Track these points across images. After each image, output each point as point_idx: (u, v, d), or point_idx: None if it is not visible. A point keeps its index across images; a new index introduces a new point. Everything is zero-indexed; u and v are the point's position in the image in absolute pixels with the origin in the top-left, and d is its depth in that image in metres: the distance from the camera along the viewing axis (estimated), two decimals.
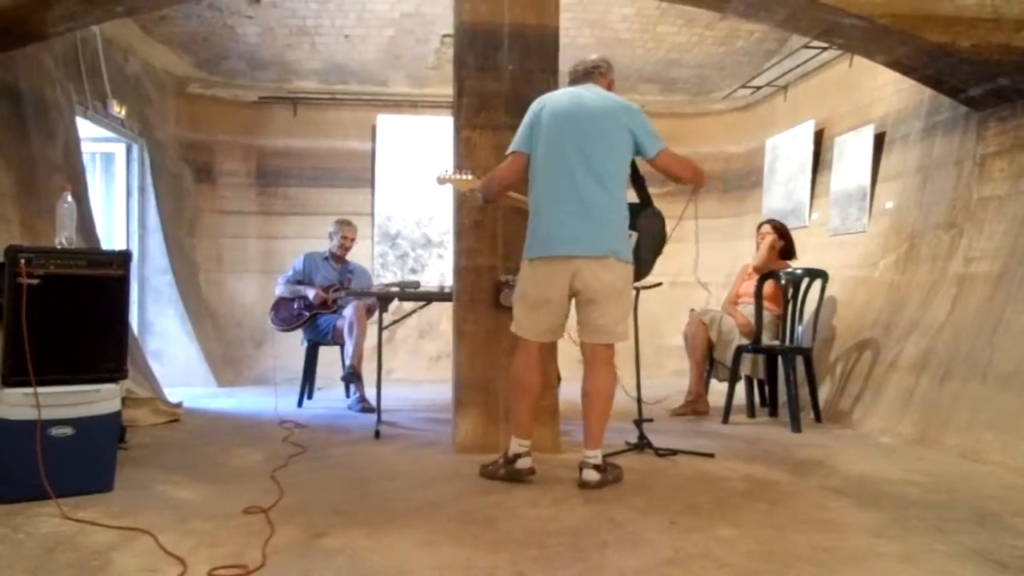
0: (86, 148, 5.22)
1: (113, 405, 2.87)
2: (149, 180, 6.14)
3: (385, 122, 7.21)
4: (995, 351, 3.74)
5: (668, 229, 3.36)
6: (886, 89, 5.30)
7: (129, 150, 6.07)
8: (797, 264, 5.06)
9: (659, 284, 3.90)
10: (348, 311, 5.10)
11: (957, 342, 4.02)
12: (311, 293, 5.25)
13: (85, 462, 2.75)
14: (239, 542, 2.24)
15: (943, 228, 4.51)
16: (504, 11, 3.63)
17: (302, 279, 5.41)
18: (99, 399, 2.81)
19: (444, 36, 6.43)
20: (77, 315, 2.82)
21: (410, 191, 7.14)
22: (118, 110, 5.53)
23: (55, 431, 2.69)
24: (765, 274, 4.79)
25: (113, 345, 2.92)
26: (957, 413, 3.80)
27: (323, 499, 2.78)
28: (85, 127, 5.18)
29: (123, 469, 2.99)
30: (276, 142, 7.20)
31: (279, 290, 5.41)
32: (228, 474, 3.18)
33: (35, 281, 2.71)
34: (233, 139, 7.12)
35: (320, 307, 5.27)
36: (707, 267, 7.32)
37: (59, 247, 2.94)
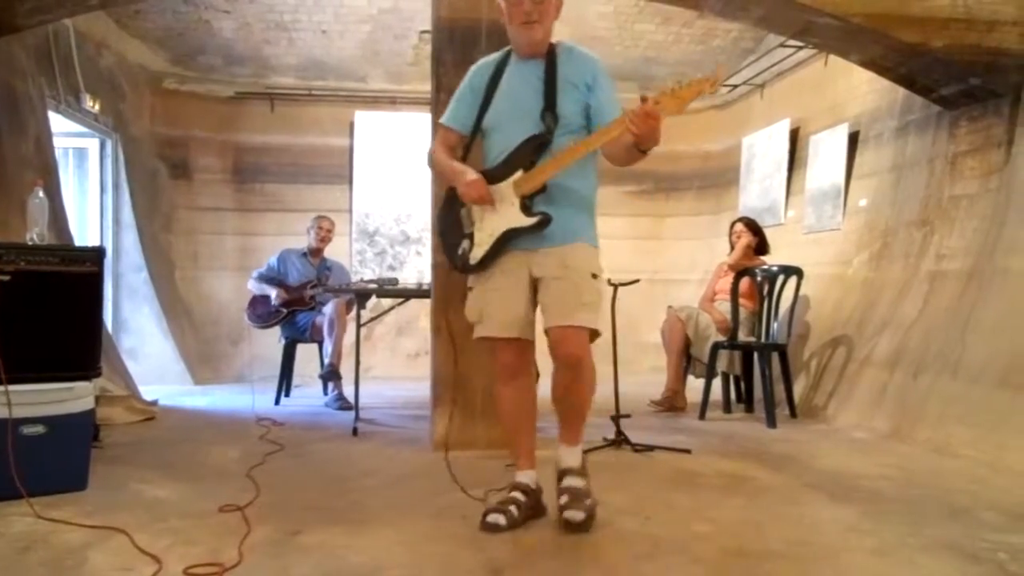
0: (59, 143, 5.15)
1: (87, 403, 2.84)
2: (123, 176, 6.07)
3: (363, 118, 7.18)
4: (965, 347, 3.80)
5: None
6: (860, 88, 5.36)
7: (103, 145, 6.00)
8: (772, 261, 5.10)
9: (636, 281, 3.92)
10: (328, 308, 5.08)
11: (929, 338, 4.08)
12: (273, 294, 5.22)
13: (58, 461, 2.71)
14: (215, 540, 2.23)
15: (916, 226, 4.57)
16: (482, 7, 3.62)
17: (275, 276, 5.38)
18: (72, 397, 2.77)
19: (422, 32, 6.41)
20: (49, 312, 2.78)
21: (388, 188, 7.12)
22: (91, 104, 5.45)
23: (27, 430, 2.65)
24: (741, 271, 4.83)
25: (86, 342, 2.88)
26: (929, 408, 3.85)
27: (300, 497, 2.77)
28: (58, 121, 5.11)
29: (97, 468, 2.95)
30: (253, 138, 7.15)
31: (250, 285, 5.39)
32: (204, 472, 3.16)
33: (5, 278, 2.68)
34: (209, 135, 7.05)
35: (297, 304, 5.24)
36: (685, 264, 7.46)
37: (30, 243, 2.90)
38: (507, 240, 2.44)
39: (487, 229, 2.47)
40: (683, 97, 2.19)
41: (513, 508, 2.41)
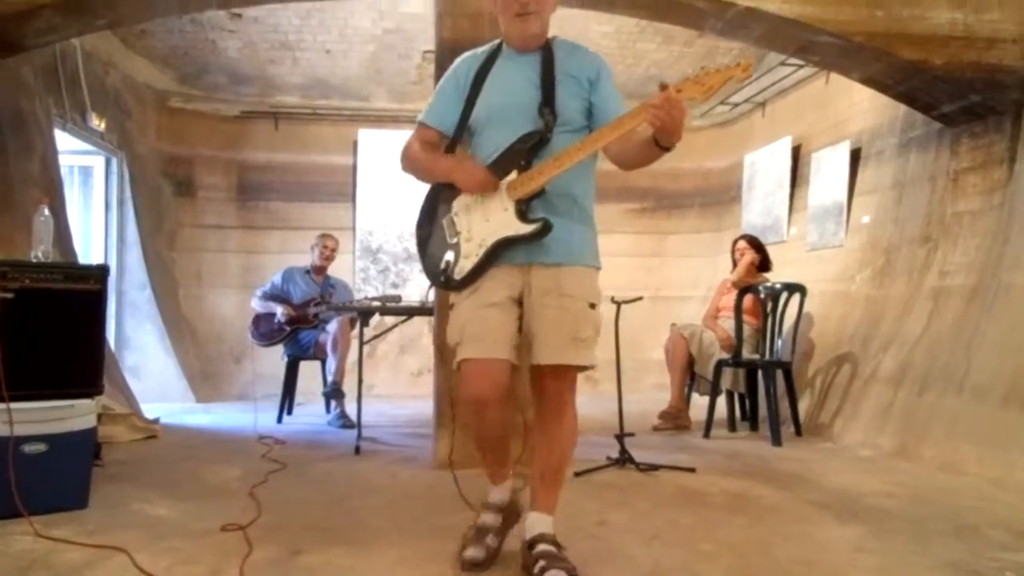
0: (64, 161, 5.18)
1: (88, 421, 2.83)
2: (128, 193, 6.10)
3: (367, 137, 7.22)
4: (971, 364, 3.79)
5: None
6: (862, 106, 5.38)
7: (108, 163, 6.03)
8: (775, 278, 5.10)
9: (640, 298, 3.92)
10: (332, 326, 5.07)
11: (934, 355, 4.07)
12: (279, 310, 5.23)
13: (59, 479, 2.71)
14: (216, 560, 2.21)
15: (918, 243, 4.57)
16: (485, 28, 3.64)
17: (278, 294, 5.39)
18: (74, 415, 2.77)
19: (425, 52, 6.45)
20: (52, 330, 2.79)
21: (392, 205, 7.14)
22: (97, 123, 5.49)
23: (28, 448, 2.64)
24: (745, 288, 4.83)
25: (89, 360, 2.88)
26: (935, 425, 3.83)
27: (302, 516, 2.76)
28: (64, 140, 5.14)
29: (98, 486, 2.95)
30: (257, 156, 7.19)
31: (253, 303, 5.40)
32: (206, 491, 3.14)
33: (9, 295, 2.68)
34: (214, 153, 7.09)
35: (300, 322, 5.24)
36: (688, 281, 7.45)
37: (35, 261, 2.91)
38: (500, 250, 2.13)
39: (476, 238, 2.16)
40: (708, 84, 1.94)
41: (490, 538, 2.23)
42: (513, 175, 2.14)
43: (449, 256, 2.21)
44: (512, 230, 2.11)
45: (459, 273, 2.18)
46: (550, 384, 2.16)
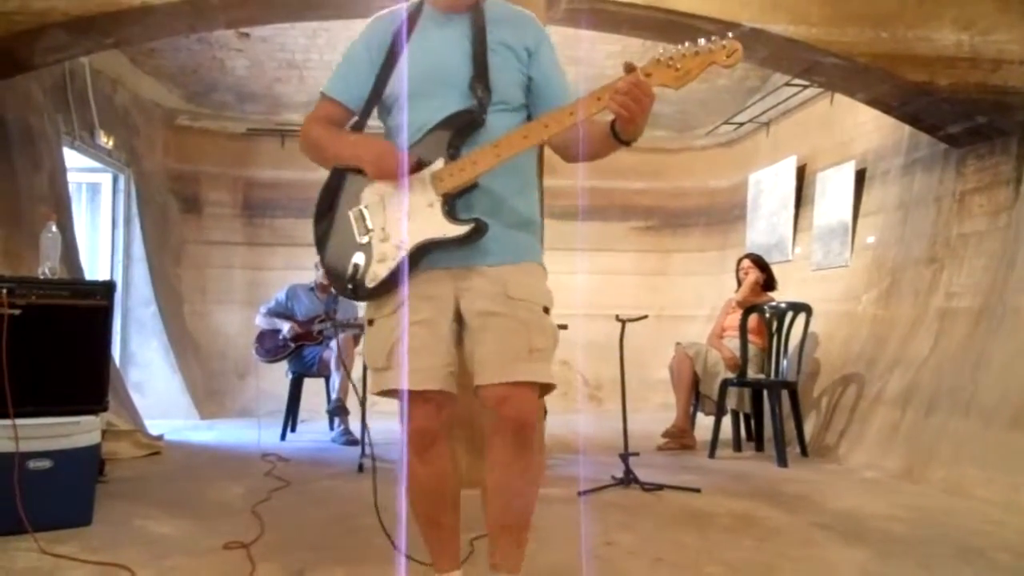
0: (72, 178, 5.22)
1: (93, 438, 2.83)
2: (135, 210, 6.14)
3: None
4: (978, 386, 3.77)
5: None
6: (866, 126, 5.39)
7: (116, 180, 6.07)
8: (780, 297, 5.09)
9: (644, 317, 3.91)
10: (335, 343, 5.08)
11: (940, 377, 4.05)
12: (285, 327, 5.23)
13: (63, 495, 2.70)
14: None
15: (924, 263, 4.56)
16: None
17: (283, 311, 5.40)
18: (78, 431, 2.77)
19: None
20: (58, 346, 2.80)
21: None
22: (105, 140, 5.53)
23: (33, 464, 2.64)
24: (749, 307, 4.82)
25: (94, 377, 2.89)
26: (941, 448, 3.81)
27: (305, 535, 2.74)
28: (72, 157, 5.18)
29: (102, 503, 2.94)
30: (263, 173, 7.22)
31: (258, 320, 5.41)
32: (209, 508, 3.13)
33: (16, 311, 2.69)
34: (221, 170, 7.14)
35: (305, 339, 5.25)
36: (693, 300, 7.45)
37: (42, 277, 2.92)
38: (423, 255, 1.74)
39: (393, 238, 1.75)
40: (684, 69, 1.61)
41: None
42: (440, 164, 1.74)
43: (358, 259, 1.77)
44: (438, 232, 1.72)
45: (372, 280, 1.76)
46: (507, 410, 1.73)
